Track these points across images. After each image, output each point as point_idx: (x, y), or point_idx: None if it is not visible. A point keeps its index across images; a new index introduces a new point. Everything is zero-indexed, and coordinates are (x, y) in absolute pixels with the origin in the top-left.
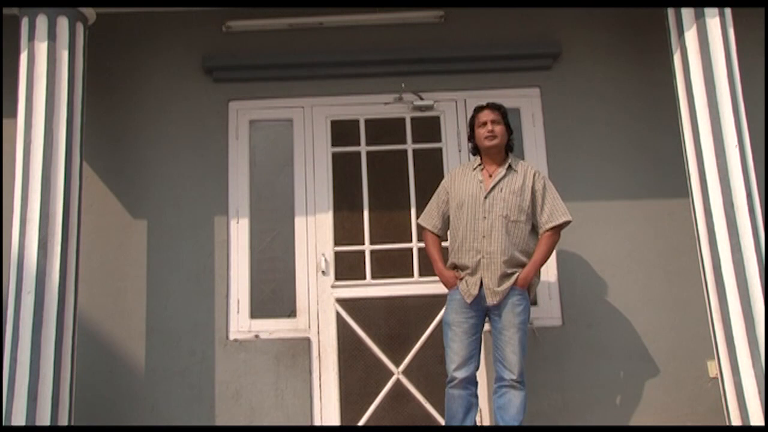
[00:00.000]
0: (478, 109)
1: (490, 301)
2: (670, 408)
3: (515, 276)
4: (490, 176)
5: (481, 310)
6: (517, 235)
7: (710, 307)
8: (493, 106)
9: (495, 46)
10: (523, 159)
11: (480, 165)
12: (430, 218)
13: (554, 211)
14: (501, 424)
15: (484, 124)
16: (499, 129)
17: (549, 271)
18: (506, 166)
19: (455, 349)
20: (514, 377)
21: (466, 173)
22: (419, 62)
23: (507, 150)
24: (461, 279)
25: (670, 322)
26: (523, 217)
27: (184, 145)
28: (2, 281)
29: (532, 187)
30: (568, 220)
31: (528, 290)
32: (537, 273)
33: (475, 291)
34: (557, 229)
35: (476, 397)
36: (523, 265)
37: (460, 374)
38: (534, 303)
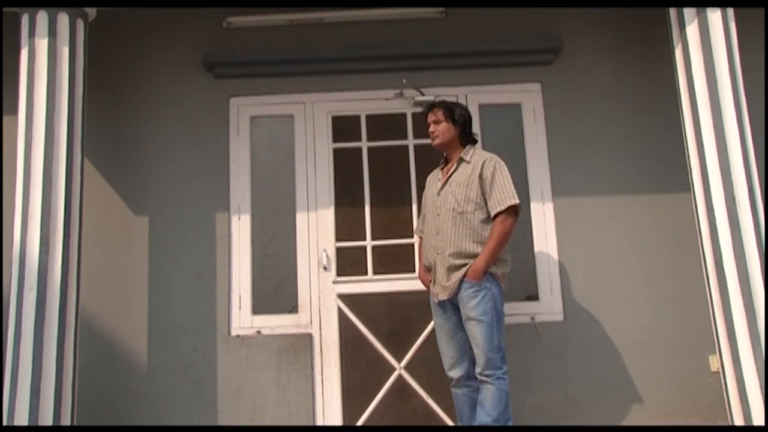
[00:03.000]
0: (425, 112)
1: (441, 296)
2: (672, 402)
3: (466, 268)
4: (448, 173)
5: (456, 307)
6: (465, 226)
7: (712, 301)
8: (433, 106)
9: (496, 42)
10: (486, 151)
11: (442, 163)
12: (418, 224)
13: (501, 196)
14: (477, 421)
15: (429, 126)
16: (441, 128)
17: (550, 266)
18: (457, 159)
19: (444, 351)
20: (479, 370)
21: (435, 174)
22: (420, 58)
23: (464, 142)
24: (431, 280)
25: (671, 316)
26: (471, 206)
27: (185, 142)
28: (2, 278)
29: (481, 175)
30: (513, 204)
31: (497, 280)
32: (497, 260)
33: (437, 289)
34: (507, 214)
35: (477, 392)
36: (476, 256)
37: (455, 373)
38: (535, 298)
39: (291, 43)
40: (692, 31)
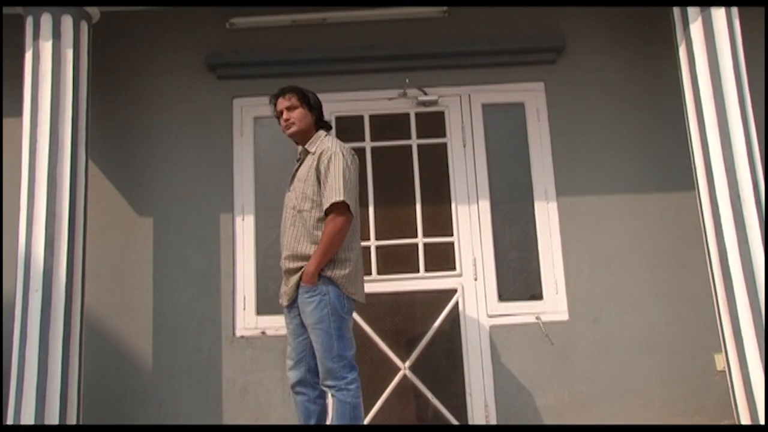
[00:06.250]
0: (272, 99)
1: (281, 301)
2: (678, 401)
3: (301, 272)
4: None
5: (299, 309)
6: (302, 226)
7: (717, 299)
8: (286, 91)
9: (499, 41)
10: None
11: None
12: None
13: (329, 192)
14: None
15: (281, 113)
16: (297, 114)
17: (555, 266)
18: (305, 151)
19: (287, 352)
20: (321, 380)
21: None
22: (423, 57)
23: (317, 130)
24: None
25: (676, 315)
26: (308, 204)
27: (188, 143)
28: (2, 279)
29: (317, 168)
30: (337, 201)
31: (335, 283)
32: (334, 262)
33: (281, 292)
34: (338, 212)
35: (318, 401)
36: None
37: (292, 377)
38: (539, 297)
39: (294, 44)
40: (696, 28)
